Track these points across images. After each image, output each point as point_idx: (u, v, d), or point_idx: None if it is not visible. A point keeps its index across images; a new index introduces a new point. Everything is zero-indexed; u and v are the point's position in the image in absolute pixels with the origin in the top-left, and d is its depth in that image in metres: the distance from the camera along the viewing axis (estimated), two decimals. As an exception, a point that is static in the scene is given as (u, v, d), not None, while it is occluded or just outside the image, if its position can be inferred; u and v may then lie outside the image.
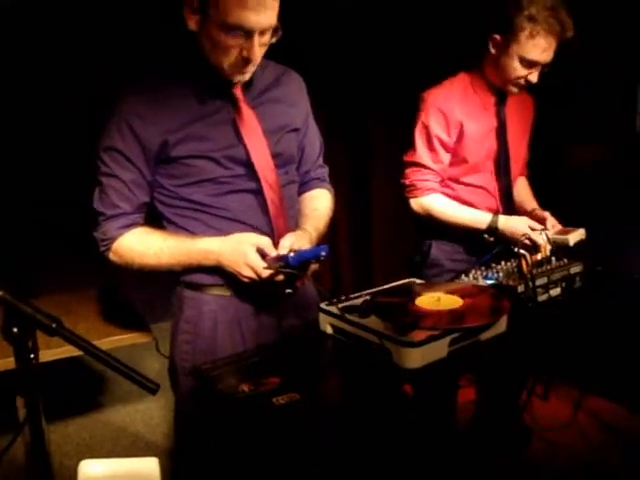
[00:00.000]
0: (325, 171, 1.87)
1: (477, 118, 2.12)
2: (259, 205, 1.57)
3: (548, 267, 1.77)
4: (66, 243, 3.56)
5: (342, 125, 3.81)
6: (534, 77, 2.01)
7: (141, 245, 1.53)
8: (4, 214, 3.39)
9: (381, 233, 4.08)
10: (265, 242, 1.49)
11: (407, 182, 2.17)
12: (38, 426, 1.05)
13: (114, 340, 2.30)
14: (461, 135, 2.10)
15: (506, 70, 2.01)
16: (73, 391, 3.06)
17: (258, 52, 1.41)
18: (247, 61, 1.42)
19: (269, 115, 1.58)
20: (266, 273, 1.45)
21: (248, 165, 1.54)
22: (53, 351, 2.00)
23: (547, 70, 2.02)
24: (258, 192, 1.56)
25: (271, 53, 1.53)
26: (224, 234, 1.52)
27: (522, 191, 2.33)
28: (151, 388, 1.03)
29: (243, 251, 1.46)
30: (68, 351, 2.03)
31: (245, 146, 1.53)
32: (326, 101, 3.56)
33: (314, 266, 1.55)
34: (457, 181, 2.18)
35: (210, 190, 1.53)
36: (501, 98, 2.13)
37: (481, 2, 2.14)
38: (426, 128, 2.11)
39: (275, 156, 1.58)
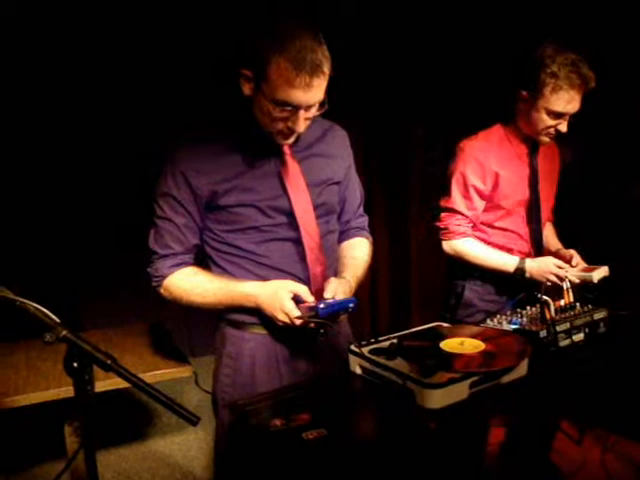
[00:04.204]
0: (365, 220, 1.96)
1: (511, 167, 2.23)
2: (298, 253, 1.67)
3: (572, 313, 1.83)
4: (111, 281, 3.75)
5: (381, 171, 3.94)
6: (563, 127, 2.11)
7: (189, 284, 1.66)
8: (54, 255, 3.59)
9: (419, 275, 4.16)
10: (302, 290, 1.57)
11: (441, 225, 2.28)
12: (92, 453, 1.16)
13: (157, 374, 2.41)
14: (496, 184, 2.21)
15: (536, 122, 2.13)
16: (116, 422, 3.18)
17: (303, 125, 1.52)
18: (292, 131, 1.54)
19: (313, 169, 1.69)
20: (298, 322, 1.54)
21: (290, 215, 1.64)
22: (103, 382, 2.13)
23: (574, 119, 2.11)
24: (298, 241, 1.66)
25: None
26: (262, 279, 1.64)
27: (548, 235, 2.43)
28: (193, 420, 1.13)
29: (280, 298, 1.55)
30: (116, 383, 2.17)
31: (289, 197, 1.63)
32: (365, 149, 3.71)
33: (344, 316, 1.65)
34: (491, 226, 2.29)
35: (253, 237, 1.65)
36: (533, 148, 2.24)
37: (511, 59, 2.26)
38: (463, 176, 2.22)
39: (317, 207, 1.68)
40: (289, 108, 1.47)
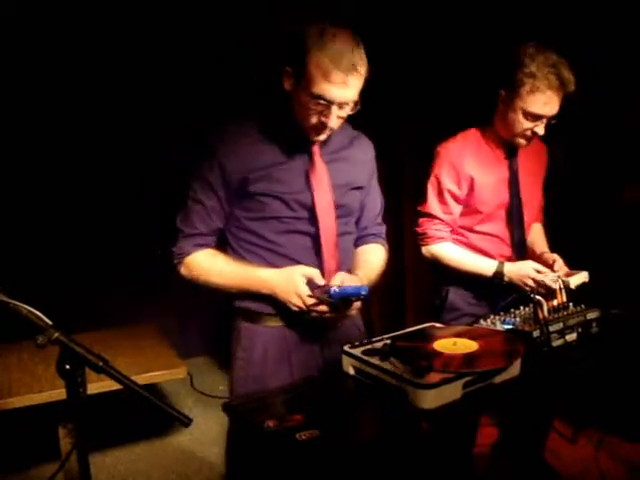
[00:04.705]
0: (382, 229, 2.01)
1: (489, 170, 2.20)
2: (314, 248, 1.75)
3: (565, 313, 1.83)
4: (106, 283, 3.74)
5: (379, 172, 3.94)
6: (540, 129, 2.08)
7: (208, 263, 1.74)
8: (48, 256, 3.58)
9: (413, 275, 4.17)
10: (314, 273, 1.65)
11: (419, 231, 2.27)
12: (84, 455, 1.16)
13: (151, 376, 2.41)
14: (472, 188, 2.18)
15: (512, 124, 2.09)
16: (110, 423, 3.17)
17: (335, 121, 1.61)
18: (324, 126, 1.62)
19: (338, 172, 1.77)
20: (311, 301, 1.61)
21: (311, 211, 1.72)
22: (97, 384, 2.12)
23: (554, 122, 2.08)
24: (316, 236, 1.74)
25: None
26: (277, 268, 1.71)
27: (535, 236, 2.40)
28: (185, 422, 1.14)
29: (294, 282, 1.63)
30: (110, 385, 2.16)
31: (312, 194, 1.71)
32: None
33: (356, 303, 1.68)
34: (470, 230, 2.26)
35: (274, 227, 1.72)
36: (512, 150, 2.21)
37: (490, 59, 2.25)
38: (438, 181, 2.21)
39: (337, 207, 1.76)
40: (324, 102, 1.57)
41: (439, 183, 2.21)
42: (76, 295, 3.59)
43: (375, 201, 1.97)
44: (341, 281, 1.66)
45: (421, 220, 2.27)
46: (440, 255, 2.23)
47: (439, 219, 2.23)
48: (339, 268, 1.76)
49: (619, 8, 2.92)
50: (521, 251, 2.27)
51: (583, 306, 1.90)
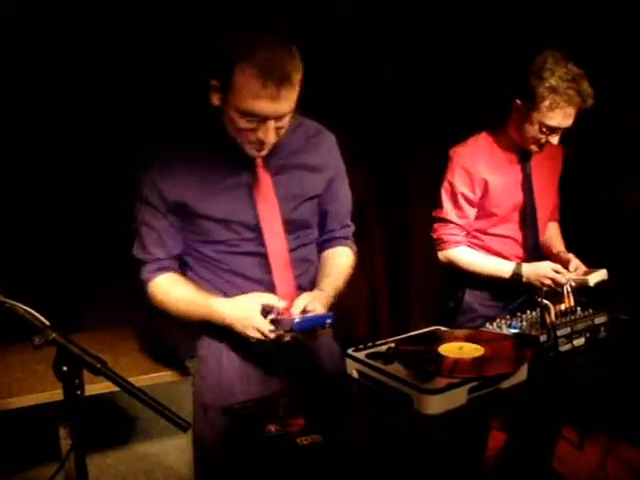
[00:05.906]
0: (350, 230, 1.89)
1: (502, 173, 2.19)
2: (265, 266, 1.62)
3: (572, 317, 1.80)
4: (107, 282, 3.72)
5: (380, 173, 3.91)
6: (554, 140, 2.07)
7: (165, 291, 1.62)
8: (47, 255, 3.56)
9: (419, 278, 4.13)
10: (270, 299, 1.53)
11: (435, 236, 2.26)
12: (82, 457, 1.14)
13: (152, 377, 2.39)
14: (486, 191, 2.17)
15: (527, 133, 2.08)
16: (112, 424, 3.15)
17: (273, 136, 1.47)
18: (261, 142, 1.48)
19: (289, 182, 1.63)
20: (272, 335, 1.49)
21: (257, 230, 1.59)
22: (95, 386, 2.10)
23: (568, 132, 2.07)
24: (265, 255, 1.62)
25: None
26: (232, 286, 1.62)
27: (551, 235, 2.39)
28: (183, 426, 1.12)
29: (249, 316, 1.50)
30: (108, 387, 2.14)
31: (257, 212, 1.58)
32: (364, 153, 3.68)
33: (324, 331, 1.54)
34: (485, 232, 2.25)
35: (221, 248, 1.61)
36: (525, 154, 2.19)
37: (507, 66, 2.22)
38: (451, 185, 2.19)
39: (288, 222, 1.63)
40: (256, 119, 1.42)
41: (452, 188, 2.19)
42: (75, 295, 3.57)
43: (341, 204, 1.82)
44: (304, 304, 1.52)
45: (436, 225, 2.26)
46: (457, 259, 2.22)
47: (454, 223, 2.22)
48: (293, 283, 1.65)
49: (619, 8, 2.89)
50: (534, 253, 2.26)
51: (591, 310, 1.87)
